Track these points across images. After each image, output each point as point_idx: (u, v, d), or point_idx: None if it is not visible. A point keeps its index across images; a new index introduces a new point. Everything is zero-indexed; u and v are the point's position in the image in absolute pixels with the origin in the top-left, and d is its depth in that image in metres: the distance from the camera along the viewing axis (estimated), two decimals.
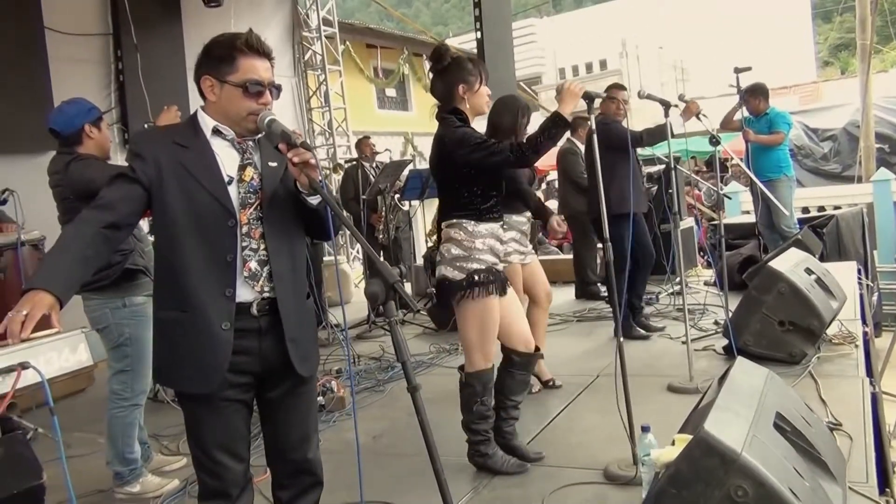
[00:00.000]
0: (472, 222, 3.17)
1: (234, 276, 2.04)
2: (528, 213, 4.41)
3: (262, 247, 2.08)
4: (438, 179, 3.34)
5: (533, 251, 4.53)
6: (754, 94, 7.03)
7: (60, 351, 2.50)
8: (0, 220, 4.49)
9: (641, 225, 5.45)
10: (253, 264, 2.06)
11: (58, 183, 3.35)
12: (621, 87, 5.61)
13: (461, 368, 3.35)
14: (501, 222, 3.32)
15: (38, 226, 4.46)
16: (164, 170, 2.02)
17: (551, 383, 4.55)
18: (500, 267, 3.27)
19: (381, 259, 3.42)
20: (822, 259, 5.93)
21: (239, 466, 2.13)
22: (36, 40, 6.30)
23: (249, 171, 2.09)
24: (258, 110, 2.06)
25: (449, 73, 3.26)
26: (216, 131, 2.10)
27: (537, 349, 3.45)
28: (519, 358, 3.35)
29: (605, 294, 7.15)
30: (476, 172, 3.17)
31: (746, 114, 7.10)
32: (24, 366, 2.22)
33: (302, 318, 2.17)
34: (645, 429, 2.63)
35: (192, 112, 2.18)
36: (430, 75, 3.35)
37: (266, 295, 2.08)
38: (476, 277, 3.13)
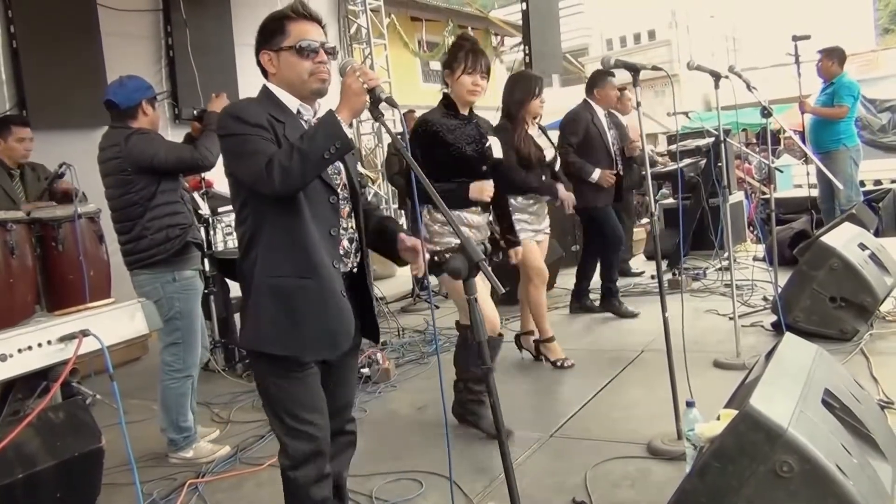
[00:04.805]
0: (428, 206, 3.38)
1: (337, 249, 2.12)
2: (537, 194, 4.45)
3: (351, 225, 2.17)
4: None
5: (547, 232, 4.53)
6: (829, 56, 6.67)
7: (118, 320, 2.58)
8: (58, 192, 4.61)
9: (609, 213, 5.59)
10: (345, 242, 2.16)
11: (116, 155, 3.39)
12: (610, 74, 5.53)
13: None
14: (473, 208, 3.49)
15: (94, 199, 4.58)
16: (279, 140, 2.03)
17: (560, 363, 4.50)
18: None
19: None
20: (877, 234, 5.78)
21: (327, 425, 2.18)
22: (89, 16, 6.40)
23: None
24: (317, 69, 2.09)
25: (445, 58, 3.53)
26: (298, 112, 2.13)
27: (500, 335, 3.57)
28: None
29: (637, 270, 7.14)
30: (438, 158, 3.37)
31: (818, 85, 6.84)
32: (84, 333, 2.30)
33: (371, 289, 2.28)
34: (690, 404, 2.61)
35: (238, 90, 2.21)
36: None
37: (355, 270, 2.19)
38: (436, 258, 3.30)
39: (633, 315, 5.60)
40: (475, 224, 3.52)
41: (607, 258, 5.73)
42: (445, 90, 3.54)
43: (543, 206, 4.50)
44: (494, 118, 4.46)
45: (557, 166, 4.67)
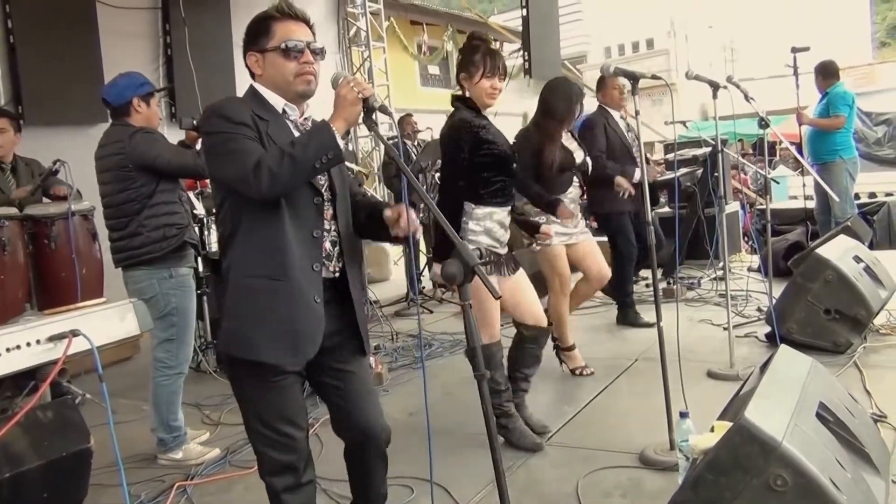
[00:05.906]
0: (471, 205, 3.24)
1: (320, 252, 2.08)
2: (572, 195, 4.31)
3: (334, 227, 2.13)
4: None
5: (585, 231, 4.40)
6: (816, 73, 6.78)
7: (109, 320, 2.55)
8: (51, 189, 4.57)
9: (624, 223, 5.42)
10: (328, 245, 2.11)
11: (118, 151, 3.37)
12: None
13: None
14: (508, 207, 3.35)
15: (88, 196, 4.55)
16: (262, 138, 2.01)
17: (579, 371, 4.44)
18: (503, 250, 3.35)
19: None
20: (871, 247, 5.79)
21: (303, 436, 2.14)
22: (87, 13, 6.39)
23: None
24: (302, 70, 2.06)
25: (460, 60, 3.32)
26: (283, 111, 2.11)
27: (550, 324, 3.56)
28: (527, 332, 3.48)
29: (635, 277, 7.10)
30: (481, 157, 3.23)
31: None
32: (74, 333, 2.28)
33: (361, 294, 2.26)
34: (683, 414, 2.60)
35: (235, 89, 2.20)
36: None
37: (337, 274, 2.14)
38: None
39: (648, 325, 5.36)
40: (505, 222, 3.40)
41: (619, 270, 5.46)
42: (457, 93, 3.37)
43: (576, 206, 4.33)
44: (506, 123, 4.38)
45: (589, 169, 4.47)
